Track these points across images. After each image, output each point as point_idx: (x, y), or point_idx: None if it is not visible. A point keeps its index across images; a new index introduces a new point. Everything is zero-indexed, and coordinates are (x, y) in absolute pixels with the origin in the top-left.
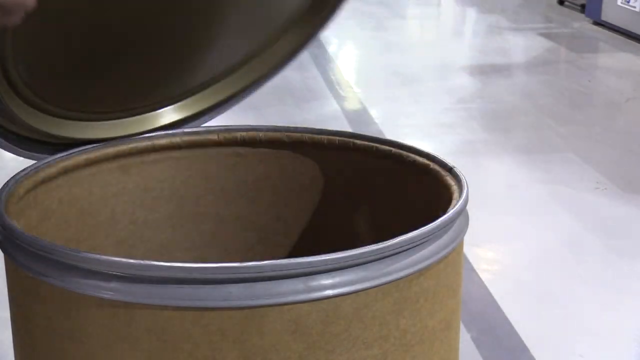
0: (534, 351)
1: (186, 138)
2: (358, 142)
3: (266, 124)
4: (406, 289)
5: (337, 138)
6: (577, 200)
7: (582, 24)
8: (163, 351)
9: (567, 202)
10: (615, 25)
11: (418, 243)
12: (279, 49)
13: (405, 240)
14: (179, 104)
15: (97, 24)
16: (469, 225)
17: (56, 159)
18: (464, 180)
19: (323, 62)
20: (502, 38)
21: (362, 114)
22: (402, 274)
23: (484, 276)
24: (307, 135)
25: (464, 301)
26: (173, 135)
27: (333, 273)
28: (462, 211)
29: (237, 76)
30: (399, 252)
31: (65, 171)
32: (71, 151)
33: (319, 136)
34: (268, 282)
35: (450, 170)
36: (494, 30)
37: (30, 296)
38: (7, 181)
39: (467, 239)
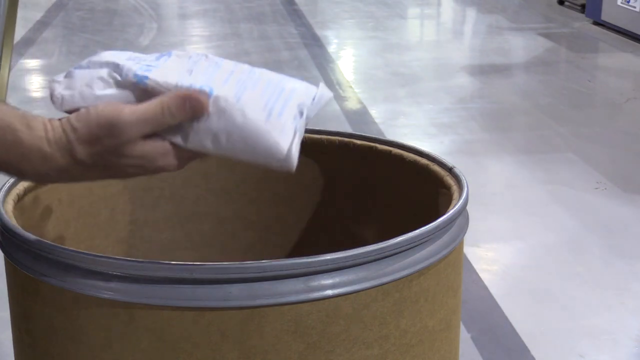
0: (534, 351)
1: None
2: (358, 142)
3: None
4: (406, 289)
5: (337, 138)
6: (577, 200)
7: (582, 24)
8: (163, 351)
9: (567, 202)
10: (615, 25)
11: (418, 243)
12: None
13: (405, 240)
14: None
15: None
16: (469, 225)
17: None
18: (464, 180)
19: (323, 62)
20: (502, 38)
21: (362, 114)
22: (402, 274)
23: (484, 276)
24: (307, 135)
25: (464, 301)
26: None
27: (333, 273)
28: (462, 211)
29: None
30: (399, 252)
31: None
32: None
33: (319, 136)
34: (268, 282)
35: (450, 170)
36: (494, 30)
37: (30, 296)
38: (7, 181)
39: (467, 239)
